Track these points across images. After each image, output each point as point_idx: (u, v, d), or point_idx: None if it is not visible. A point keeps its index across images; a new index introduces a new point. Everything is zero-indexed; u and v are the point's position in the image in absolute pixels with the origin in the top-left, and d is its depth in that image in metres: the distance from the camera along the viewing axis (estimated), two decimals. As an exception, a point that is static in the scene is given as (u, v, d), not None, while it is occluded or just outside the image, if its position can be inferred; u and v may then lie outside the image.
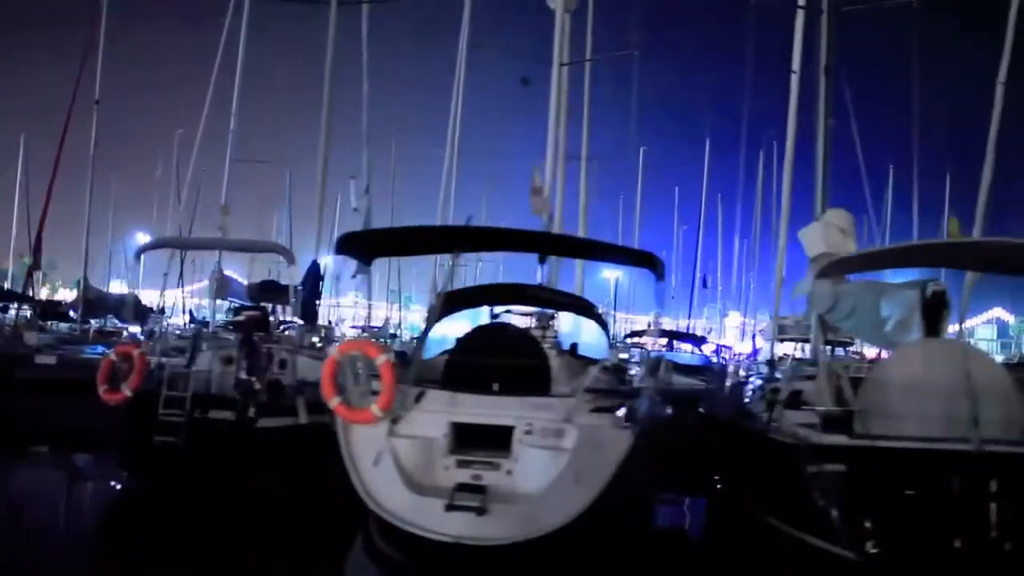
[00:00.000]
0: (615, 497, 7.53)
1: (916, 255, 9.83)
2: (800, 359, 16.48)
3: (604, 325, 10.24)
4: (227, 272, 17.38)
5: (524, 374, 8.62)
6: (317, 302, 14.14)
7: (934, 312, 8.86)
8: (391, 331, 25.18)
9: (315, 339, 14.92)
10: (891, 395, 7.96)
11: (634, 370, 11.23)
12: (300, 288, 13.27)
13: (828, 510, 7.34)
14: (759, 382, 13.61)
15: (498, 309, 11.12)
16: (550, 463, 7.60)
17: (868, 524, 7.15)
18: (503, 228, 10.75)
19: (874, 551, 7.10)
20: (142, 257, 13.77)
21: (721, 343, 37.04)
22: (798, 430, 7.98)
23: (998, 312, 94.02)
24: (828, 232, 12.76)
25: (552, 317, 11.37)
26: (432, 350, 9.97)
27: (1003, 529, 7.07)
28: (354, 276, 14.81)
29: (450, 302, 10.05)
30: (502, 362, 8.47)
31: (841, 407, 8.08)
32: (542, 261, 9.29)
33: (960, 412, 7.57)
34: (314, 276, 13.95)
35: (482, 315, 10.96)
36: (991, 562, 7.02)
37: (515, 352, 8.83)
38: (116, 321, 25.30)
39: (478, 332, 9.74)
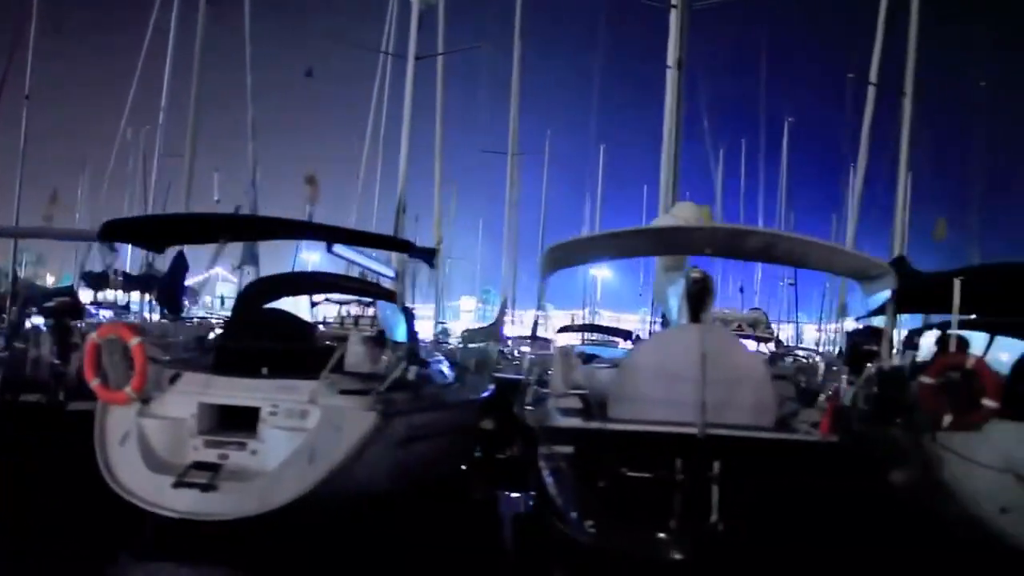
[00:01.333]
0: (352, 477, 7.62)
1: (643, 240, 9.85)
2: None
3: (408, 313, 10.31)
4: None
5: (290, 357, 8.72)
6: (184, 294, 14.25)
7: (696, 298, 8.93)
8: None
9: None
10: (639, 380, 8.02)
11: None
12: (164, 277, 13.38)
13: (557, 492, 7.41)
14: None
15: (318, 297, 11.23)
16: (290, 443, 7.71)
17: (592, 506, 7.22)
18: (268, 216, 10.83)
19: (593, 532, 7.17)
20: None
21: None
22: (542, 414, 8.05)
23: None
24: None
25: (370, 304, 11.47)
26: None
27: (724, 511, 7.15)
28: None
29: (258, 290, 10.16)
30: (266, 345, 8.59)
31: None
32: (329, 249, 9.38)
33: (705, 397, 7.64)
34: (178, 267, 14.06)
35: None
36: (710, 544, 7.09)
37: (281, 336, 8.93)
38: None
39: (246, 316, 9.85)
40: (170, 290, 13.74)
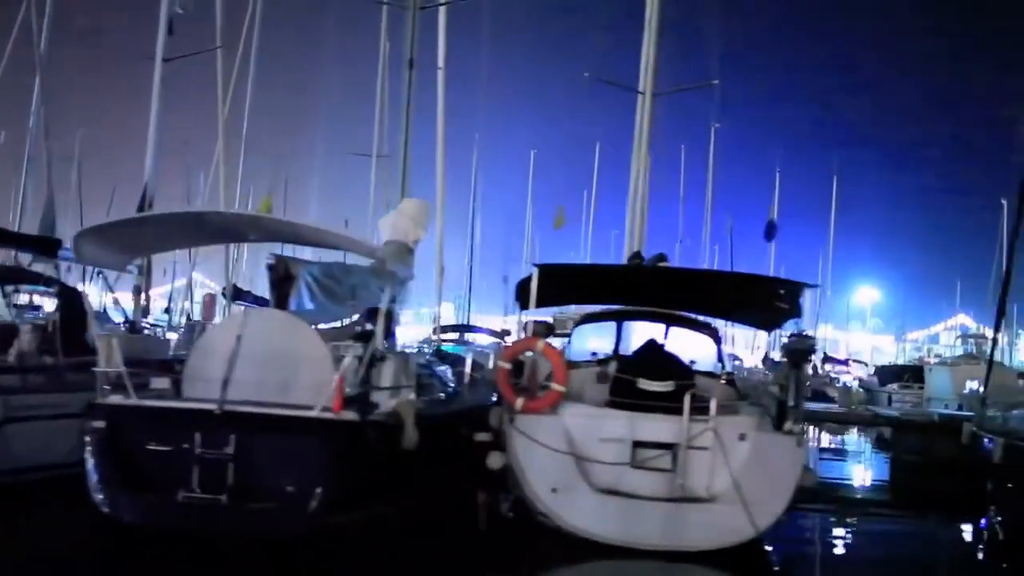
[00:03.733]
0: None
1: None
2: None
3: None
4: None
5: None
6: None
7: (277, 285, 9.29)
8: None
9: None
10: (203, 361, 8.37)
11: None
12: None
13: (91, 466, 7.73)
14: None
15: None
16: None
17: (111, 478, 7.56)
18: None
19: (107, 503, 7.51)
20: None
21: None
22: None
23: (962, 319, 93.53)
24: (399, 220, 13.25)
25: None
26: None
27: (240, 482, 7.50)
28: None
29: None
30: None
31: None
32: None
33: (258, 376, 8.01)
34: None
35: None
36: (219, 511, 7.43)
37: None
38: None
39: None
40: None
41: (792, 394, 8.73)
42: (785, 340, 9.59)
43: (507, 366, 8.91)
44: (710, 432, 8.48)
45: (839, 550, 10.21)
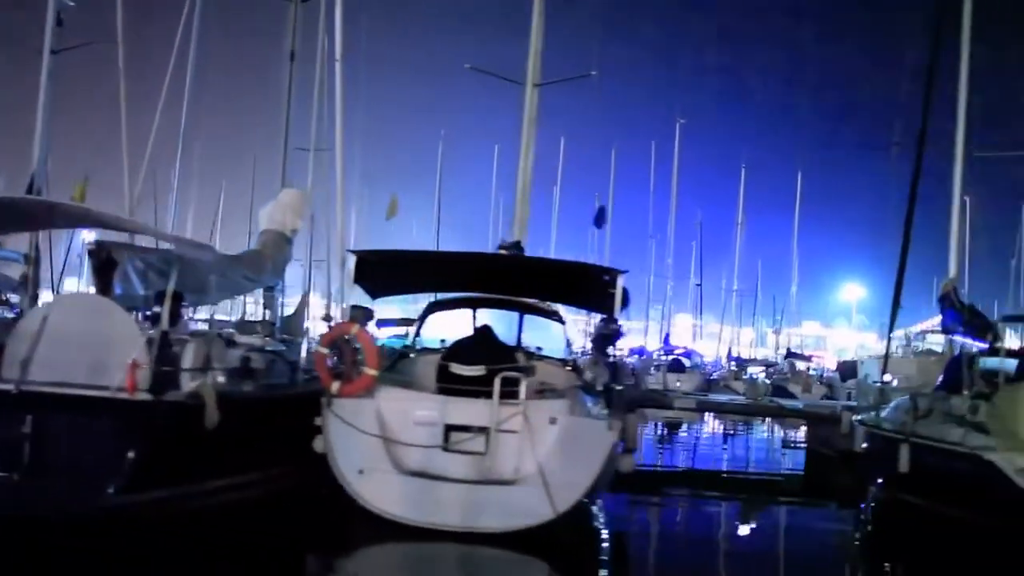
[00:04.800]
0: None
1: None
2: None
3: None
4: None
5: None
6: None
7: (99, 271, 9.44)
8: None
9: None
10: (20, 344, 8.48)
11: None
12: None
13: None
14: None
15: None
16: None
17: None
18: None
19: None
20: None
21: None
22: None
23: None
24: (275, 210, 13.40)
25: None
26: None
27: (35, 461, 7.64)
28: None
29: None
30: None
31: None
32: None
33: (71, 358, 8.15)
34: None
35: None
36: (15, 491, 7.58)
37: None
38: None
39: None
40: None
41: (600, 378, 8.86)
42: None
43: (324, 351, 9.05)
44: (520, 416, 8.62)
45: (675, 534, 10.42)
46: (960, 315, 12.40)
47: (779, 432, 23.45)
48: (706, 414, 23.02)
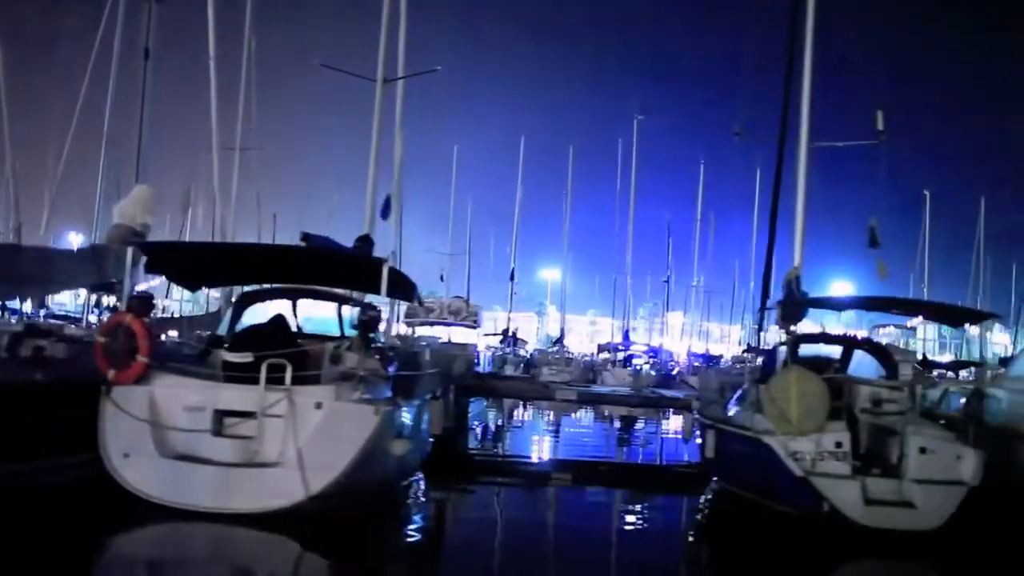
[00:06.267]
0: None
1: None
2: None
3: None
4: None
5: None
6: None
7: None
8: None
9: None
10: None
11: None
12: None
13: None
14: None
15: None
16: None
17: None
18: None
19: None
20: None
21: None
22: None
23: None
24: (126, 205, 13.71)
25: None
26: None
27: None
28: None
29: None
30: None
31: None
32: None
33: None
34: None
35: None
36: None
37: None
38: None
39: None
40: None
41: (364, 364, 9.13)
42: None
43: (101, 339, 9.33)
44: (285, 401, 8.90)
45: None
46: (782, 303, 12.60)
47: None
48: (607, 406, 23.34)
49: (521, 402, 23.91)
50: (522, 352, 39.82)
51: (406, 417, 10.08)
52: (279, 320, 10.69)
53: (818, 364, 12.53)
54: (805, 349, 14.06)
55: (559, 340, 46.54)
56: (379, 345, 10.14)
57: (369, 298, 12.52)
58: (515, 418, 23.77)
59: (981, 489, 9.81)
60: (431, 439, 12.10)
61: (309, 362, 9.69)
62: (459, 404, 18.87)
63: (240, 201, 27.39)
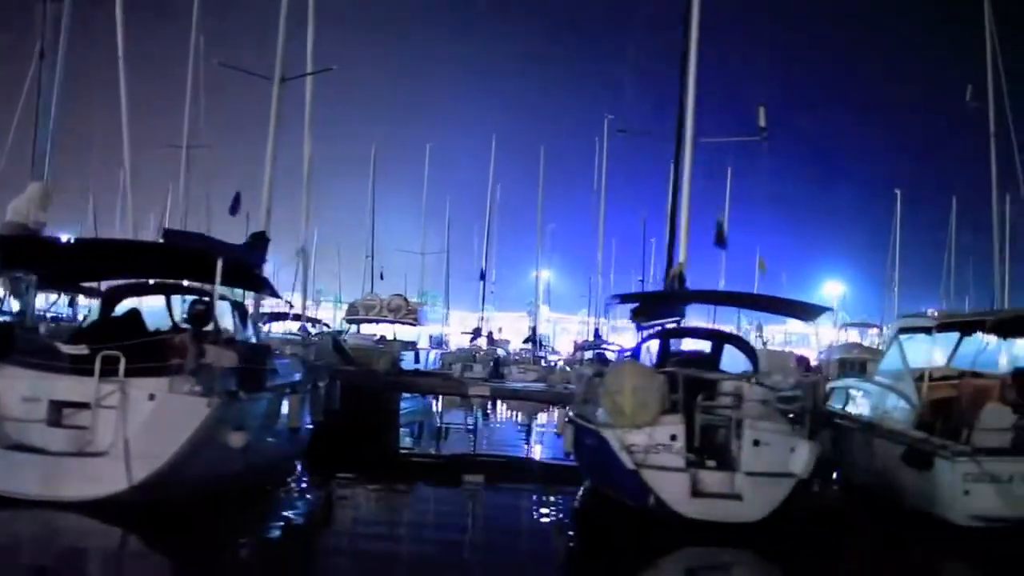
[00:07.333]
0: None
1: None
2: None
3: None
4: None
5: None
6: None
7: None
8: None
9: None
10: None
11: None
12: None
13: None
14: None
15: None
16: None
17: None
18: None
19: None
20: None
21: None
22: None
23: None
24: (20, 202, 13.95)
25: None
26: None
27: None
28: None
29: None
30: None
31: None
32: None
33: None
34: None
35: None
36: None
37: None
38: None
39: None
40: None
41: (193, 358, 9.38)
42: None
43: None
44: (117, 392, 9.16)
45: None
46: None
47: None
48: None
49: (456, 399, 23.97)
50: (499, 352, 39.98)
51: (252, 410, 10.32)
52: (132, 314, 10.95)
53: (693, 361, 12.79)
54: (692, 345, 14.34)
55: (530, 339, 46.70)
56: (228, 338, 10.37)
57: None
58: (448, 417, 23.85)
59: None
60: (305, 432, 12.34)
61: (172, 356, 9.91)
62: (385, 400, 19.13)
63: (194, 201, 27.85)
